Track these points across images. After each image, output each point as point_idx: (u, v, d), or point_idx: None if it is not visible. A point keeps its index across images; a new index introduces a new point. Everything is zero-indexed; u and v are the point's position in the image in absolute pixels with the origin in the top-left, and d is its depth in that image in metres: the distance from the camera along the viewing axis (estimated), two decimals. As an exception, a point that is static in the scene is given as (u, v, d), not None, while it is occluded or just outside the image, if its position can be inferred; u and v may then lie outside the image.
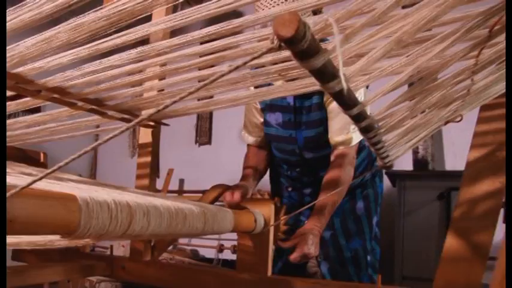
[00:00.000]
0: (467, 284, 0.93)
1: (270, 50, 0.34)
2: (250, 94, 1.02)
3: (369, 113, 0.62)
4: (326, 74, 0.39)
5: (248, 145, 1.63)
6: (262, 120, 1.56)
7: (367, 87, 1.43)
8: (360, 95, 1.35)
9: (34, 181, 0.38)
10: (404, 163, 2.63)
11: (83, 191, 0.56)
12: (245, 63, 0.33)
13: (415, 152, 2.66)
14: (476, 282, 0.91)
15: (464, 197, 1.00)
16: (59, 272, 1.15)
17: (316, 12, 1.28)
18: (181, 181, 3.77)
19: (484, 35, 0.58)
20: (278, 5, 1.24)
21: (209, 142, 3.93)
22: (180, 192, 3.62)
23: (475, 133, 1.00)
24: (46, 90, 0.96)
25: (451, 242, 0.98)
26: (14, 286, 1.08)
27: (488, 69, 0.67)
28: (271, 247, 1.19)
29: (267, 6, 1.25)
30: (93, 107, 1.04)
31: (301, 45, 0.33)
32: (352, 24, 0.48)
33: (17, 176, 0.77)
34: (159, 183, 3.12)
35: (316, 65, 0.37)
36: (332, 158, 1.43)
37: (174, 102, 0.33)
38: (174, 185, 3.63)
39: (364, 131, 0.59)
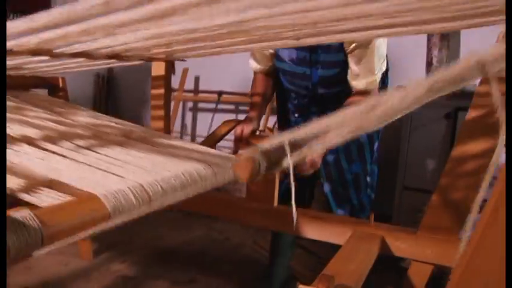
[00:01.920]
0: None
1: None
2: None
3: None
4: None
5: (255, 72, 1.66)
6: (271, 51, 1.57)
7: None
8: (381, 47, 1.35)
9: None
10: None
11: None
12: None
13: (429, 63, 2.63)
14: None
15: (457, 154, 1.07)
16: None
17: None
18: (197, 79, 3.82)
19: None
20: None
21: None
22: (196, 92, 3.69)
23: (476, 93, 1.04)
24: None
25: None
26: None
27: None
28: (277, 181, 1.30)
29: None
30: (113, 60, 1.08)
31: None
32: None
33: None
34: (175, 81, 3.17)
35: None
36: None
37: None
38: (189, 84, 3.70)
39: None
